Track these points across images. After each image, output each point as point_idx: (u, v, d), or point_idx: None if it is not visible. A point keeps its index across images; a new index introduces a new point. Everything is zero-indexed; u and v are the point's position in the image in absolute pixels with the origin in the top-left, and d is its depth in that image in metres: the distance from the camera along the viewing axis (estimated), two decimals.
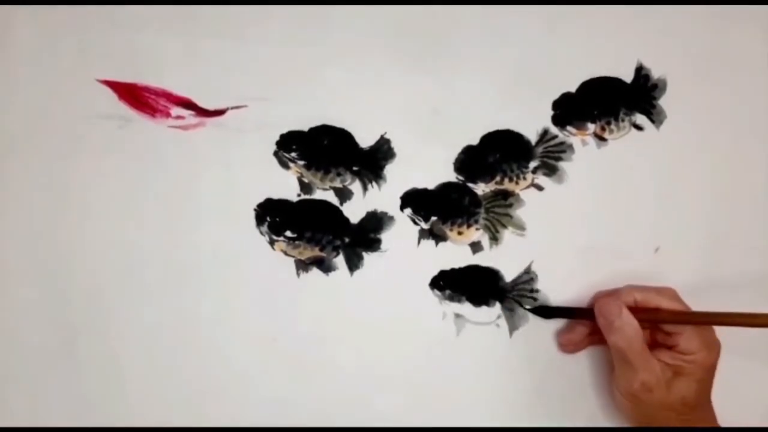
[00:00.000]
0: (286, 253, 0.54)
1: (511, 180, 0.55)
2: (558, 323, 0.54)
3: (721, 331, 0.54)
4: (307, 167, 0.54)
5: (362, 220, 0.54)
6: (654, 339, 0.50)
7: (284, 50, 0.54)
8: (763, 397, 0.56)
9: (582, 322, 0.53)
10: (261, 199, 0.53)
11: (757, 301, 0.55)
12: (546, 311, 0.54)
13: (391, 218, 0.54)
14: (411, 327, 0.54)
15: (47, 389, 0.52)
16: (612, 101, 0.55)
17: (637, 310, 0.49)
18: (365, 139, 0.54)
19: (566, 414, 0.54)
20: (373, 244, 0.54)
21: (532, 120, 0.55)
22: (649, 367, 0.48)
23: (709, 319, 0.49)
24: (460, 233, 0.54)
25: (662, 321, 0.49)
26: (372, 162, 0.54)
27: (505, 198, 0.55)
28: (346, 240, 0.54)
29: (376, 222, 0.54)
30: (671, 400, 0.48)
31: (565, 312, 0.54)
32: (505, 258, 0.54)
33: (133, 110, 0.53)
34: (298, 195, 0.54)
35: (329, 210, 0.54)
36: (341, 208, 0.54)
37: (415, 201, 0.54)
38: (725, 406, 0.55)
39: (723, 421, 0.54)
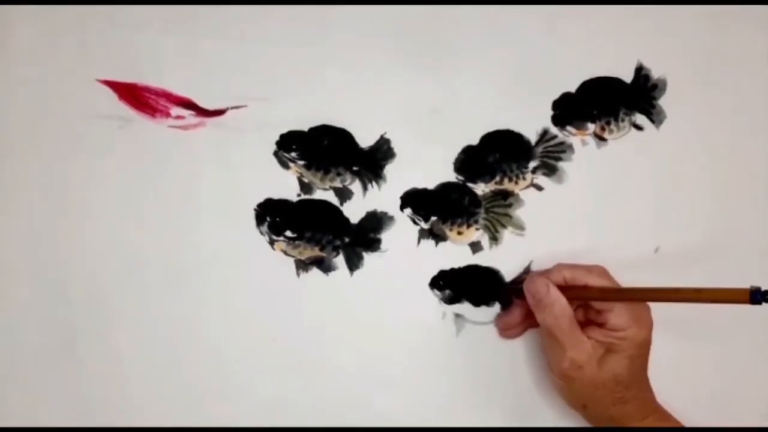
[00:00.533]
0: (286, 253, 0.54)
1: (510, 180, 0.55)
2: None
3: (721, 331, 0.54)
4: (307, 167, 0.54)
5: (362, 220, 0.54)
6: (586, 317, 0.50)
7: (284, 50, 0.54)
8: (763, 397, 0.56)
9: (518, 304, 0.52)
10: (261, 199, 0.53)
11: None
12: (506, 295, 0.54)
13: (391, 218, 0.54)
14: (411, 327, 0.54)
15: (47, 389, 0.52)
16: (612, 101, 0.55)
17: (566, 288, 0.49)
18: (365, 139, 0.54)
19: (566, 414, 0.54)
20: (373, 244, 0.54)
21: (532, 120, 0.55)
22: (578, 344, 0.47)
23: (634, 296, 0.48)
24: (459, 233, 0.54)
25: (590, 298, 0.49)
26: (372, 162, 0.54)
27: (504, 198, 0.55)
28: (346, 240, 0.54)
29: (376, 222, 0.54)
30: (603, 378, 0.47)
31: (512, 291, 0.53)
32: (505, 258, 0.54)
33: (133, 110, 0.53)
34: (298, 195, 0.54)
35: (329, 210, 0.54)
36: (341, 208, 0.54)
37: (415, 201, 0.54)
38: (725, 405, 0.55)
39: (723, 421, 0.54)
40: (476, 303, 0.54)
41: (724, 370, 0.53)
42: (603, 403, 0.48)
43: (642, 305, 0.49)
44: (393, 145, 0.54)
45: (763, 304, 0.41)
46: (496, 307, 0.54)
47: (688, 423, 0.53)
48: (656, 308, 0.54)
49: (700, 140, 0.56)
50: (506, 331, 0.53)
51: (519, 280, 0.54)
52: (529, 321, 0.52)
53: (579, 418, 0.53)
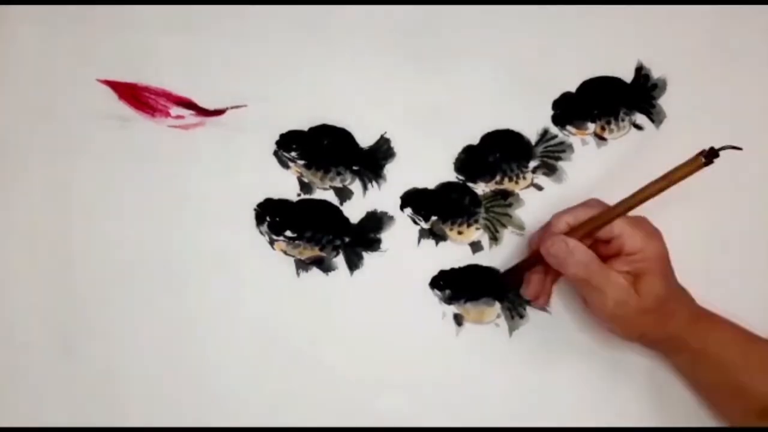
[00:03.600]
0: (286, 253, 0.54)
1: (511, 180, 0.55)
2: (555, 320, 0.54)
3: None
4: (307, 167, 0.54)
5: (362, 220, 0.54)
6: (600, 254, 0.49)
7: (284, 50, 0.54)
8: None
9: (534, 270, 0.52)
10: (261, 199, 0.53)
11: (758, 301, 0.55)
12: (501, 285, 0.54)
13: (391, 218, 0.54)
14: (411, 327, 0.54)
15: (47, 389, 0.52)
16: (612, 101, 0.55)
17: (575, 231, 0.49)
18: (365, 139, 0.54)
19: (566, 414, 0.54)
20: (373, 244, 0.54)
21: (532, 120, 0.55)
22: (614, 282, 0.47)
23: (635, 200, 0.48)
24: (460, 233, 0.54)
25: (600, 226, 0.49)
26: (372, 162, 0.54)
27: (504, 198, 0.55)
28: (346, 240, 0.54)
29: (376, 222, 0.54)
30: (647, 304, 0.48)
31: (514, 273, 0.53)
32: (505, 257, 0.54)
33: (133, 110, 0.53)
34: (298, 195, 0.54)
35: (329, 210, 0.54)
36: (341, 207, 0.54)
37: (415, 201, 0.54)
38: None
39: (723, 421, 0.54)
40: (476, 303, 0.54)
41: None
42: (656, 325, 0.49)
43: (642, 220, 0.49)
44: (393, 145, 0.54)
45: (715, 161, 0.46)
46: (496, 307, 0.54)
47: (686, 423, 0.53)
48: None
49: (700, 140, 0.55)
50: (536, 300, 0.53)
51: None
52: (552, 278, 0.53)
53: (578, 418, 0.53)
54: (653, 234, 0.49)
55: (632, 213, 0.49)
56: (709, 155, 0.46)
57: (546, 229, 0.51)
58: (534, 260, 0.51)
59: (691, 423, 0.54)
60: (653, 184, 0.48)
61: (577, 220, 0.49)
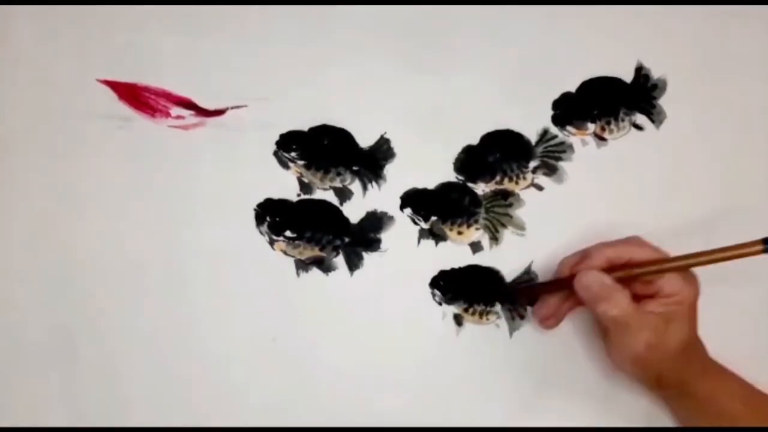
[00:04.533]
0: (285, 253, 0.53)
1: (511, 180, 0.55)
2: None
3: (720, 332, 0.54)
4: (307, 167, 0.54)
5: (362, 220, 0.54)
6: (634, 292, 0.48)
7: (284, 50, 0.54)
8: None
9: (554, 293, 0.51)
10: (261, 199, 0.53)
11: (758, 301, 0.55)
12: (512, 297, 0.53)
13: (391, 218, 0.54)
14: (411, 327, 0.54)
15: (47, 389, 0.52)
16: (612, 101, 0.55)
17: (613, 270, 0.48)
18: (365, 139, 0.54)
19: (566, 414, 0.54)
20: (373, 244, 0.54)
21: (532, 120, 0.55)
22: (648, 325, 0.46)
23: (684, 263, 0.47)
24: (460, 233, 0.54)
25: (641, 274, 0.47)
26: (372, 162, 0.54)
27: (505, 198, 0.55)
28: (346, 240, 0.54)
29: (376, 222, 0.54)
30: (674, 349, 0.47)
31: (534, 292, 0.53)
32: (505, 258, 0.54)
33: (133, 110, 0.53)
34: (298, 195, 0.54)
35: (329, 210, 0.54)
36: (341, 208, 0.54)
37: (415, 201, 0.54)
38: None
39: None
40: (477, 303, 0.54)
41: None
42: (673, 369, 0.48)
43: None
44: (393, 145, 0.54)
45: None
46: (496, 307, 0.54)
47: None
48: None
49: (700, 140, 0.56)
50: (545, 321, 0.52)
51: (523, 281, 0.54)
52: (568, 305, 0.52)
53: (578, 418, 0.53)
54: (691, 277, 0.48)
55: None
56: None
57: (582, 260, 0.49)
58: (560, 285, 0.51)
59: None
60: (707, 254, 0.47)
61: (618, 257, 0.48)
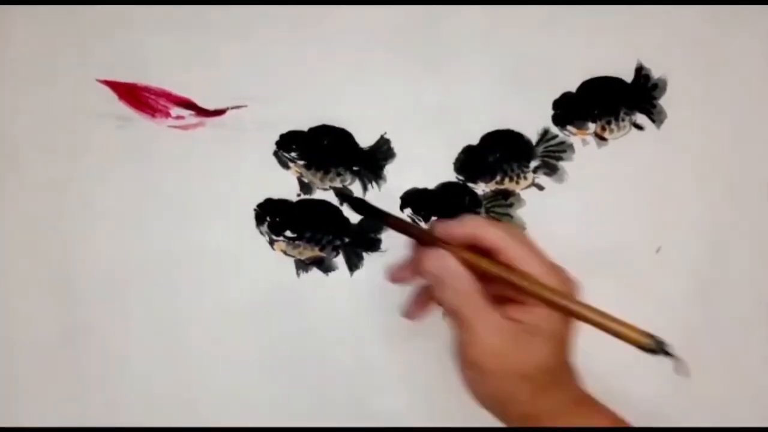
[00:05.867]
0: (285, 253, 0.54)
1: (511, 180, 0.55)
2: None
3: (721, 332, 0.54)
4: (307, 167, 0.54)
5: (362, 220, 0.54)
6: (502, 293, 0.40)
7: (284, 50, 0.54)
8: (763, 397, 0.56)
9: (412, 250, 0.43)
10: (261, 199, 0.53)
11: (759, 301, 0.55)
12: (364, 207, 0.47)
13: None
14: (411, 327, 0.54)
15: (47, 389, 0.52)
16: (612, 101, 0.55)
17: (477, 260, 0.39)
18: (365, 139, 0.54)
19: None
20: (373, 244, 0.54)
21: (532, 120, 0.55)
22: (492, 326, 0.38)
23: (564, 306, 0.38)
24: None
25: (509, 283, 0.39)
26: (372, 162, 0.54)
27: (505, 198, 0.55)
28: (346, 240, 0.54)
29: (376, 222, 0.54)
30: (524, 367, 0.38)
31: (391, 221, 0.44)
32: None
33: (133, 110, 0.53)
34: (298, 195, 0.54)
35: (329, 210, 0.54)
36: (341, 208, 0.54)
37: (415, 201, 0.54)
38: (727, 407, 0.55)
39: (724, 422, 0.54)
40: None
41: (725, 370, 0.53)
42: (521, 397, 0.39)
43: (560, 272, 0.40)
44: (393, 145, 0.54)
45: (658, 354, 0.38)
46: None
47: (687, 423, 0.53)
48: (657, 310, 0.54)
49: (701, 140, 0.56)
50: (395, 280, 0.45)
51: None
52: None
53: None
54: (571, 291, 0.40)
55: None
56: (656, 348, 0.38)
57: (442, 229, 0.41)
58: (425, 241, 0.42)
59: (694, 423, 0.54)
60: (591, 311, 0.39)
61: (482, 239, 0.40)
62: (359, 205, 0.48)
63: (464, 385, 0.42)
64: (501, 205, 0.55)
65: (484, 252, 0.40)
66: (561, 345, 0.40)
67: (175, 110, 0.53)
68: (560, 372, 0.40)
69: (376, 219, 0.48)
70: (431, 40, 0.54)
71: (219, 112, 0.53)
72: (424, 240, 0.42)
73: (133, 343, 0.53)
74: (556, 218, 0.55)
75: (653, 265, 0.55)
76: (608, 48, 0.55)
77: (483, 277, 0.40)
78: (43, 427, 0.52)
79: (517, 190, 0.55)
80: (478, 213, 0.54)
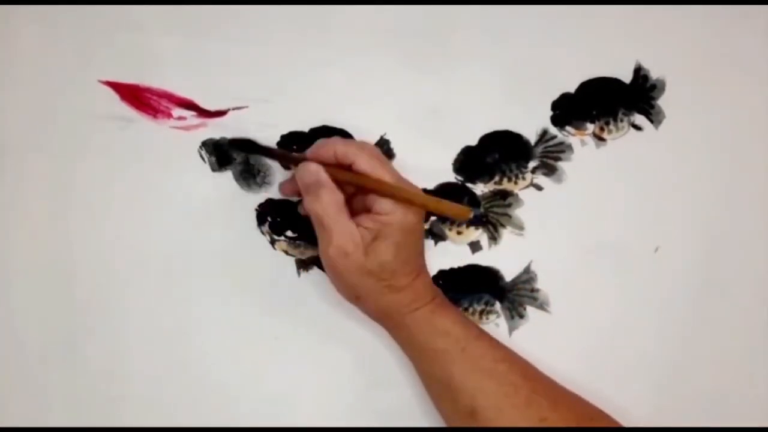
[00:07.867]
0: (287, 253, 0.54)
1: (510, 180, 0.55)
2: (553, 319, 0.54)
3: (719, 332, 0.54)
4: None
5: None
6: (360, 205, 0.49)
7: (285, 51, 0.54)
8: (762, 397, 0.56)
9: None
10: (262, 200, 0.54)
11: (758, 301, 0.55)
12: (249, 146, 0.52)
13: None
14: None
15: (47, 389, 0.53)
16: (611, 101, 0.55)
17: (336, 172, 0.47)
18: (365, 139, 0.54)
19: None
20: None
21: (531, 120, 0.55)
22: (344, 231, 0.46)
23: (402, 194, 0.47)
24: (459, 233, 0.55)
25: (365, 190, 0.47)
26: None
27: (504, 198, 0.55)
28: None
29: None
30: (369, 266, 0.46)
31: (271, 154, 0.52)
32: (505, 257, 0.55)
33: (134, 111, 0.53)
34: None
35: None
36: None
37: None
38: (726, 406, 0.55)
39: (723, 421, 0.54)
40: (476, 303, 0.54)
41: (724, 371, 0.53)
42: (373, 293, 0.47)
43: (406, 184, 0.48)
44: (392, 145, 0.54)
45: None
46: (496, 307, 0.54)
47: (686, 423, 0.53)
48: (656, 309, 0.54)
49: (699, 140, 0.56)
50: (284, 190, 0.53)
51: (521, 281, 0.54)
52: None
53: None
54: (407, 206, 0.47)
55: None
56: (475, 220, 0.45)
57: (316, 148, 0.49)
58: (302, 160, 0.49)
59: (690, 423, 0.54)
60: (422, 197, 0.48)
61: (345, 156, 0.47)
62: (245, 145, 0.52)
63: (329, 278, 0.49)
64: (499, 205, 0.55)
65: (346, 167, 0.47)
66: (401, 247, 0.47)
67: (177, 111, 0.53)
68: (403, 272, 0.48)
69: (261, 154, 0.53)
70: (430, 40, 0.55)
71: (220, 113, 0.54)
72: (302, 162, 0.49)
73: (133, 343, 0.53)
74: (554, 218, 0.55)
75: (651, 264, 0.55)
76: (607, 48, 0.55)
77: (345, 191, 0.48)
78: (44, 427, 0.52)
79: (516, 191, 0.55)
80: (477, 213, 0.55)
